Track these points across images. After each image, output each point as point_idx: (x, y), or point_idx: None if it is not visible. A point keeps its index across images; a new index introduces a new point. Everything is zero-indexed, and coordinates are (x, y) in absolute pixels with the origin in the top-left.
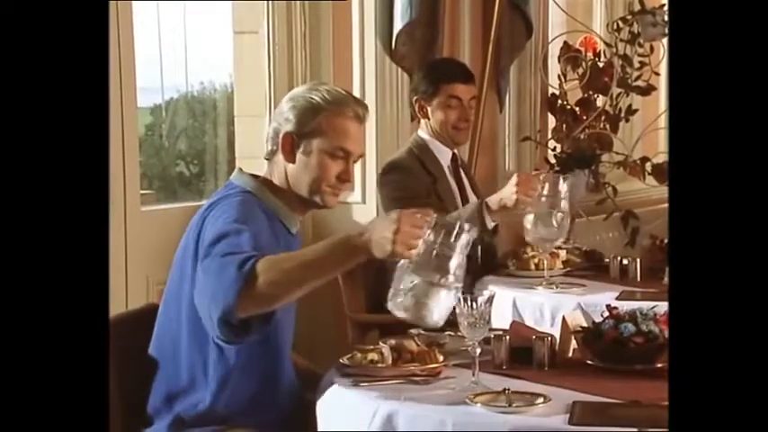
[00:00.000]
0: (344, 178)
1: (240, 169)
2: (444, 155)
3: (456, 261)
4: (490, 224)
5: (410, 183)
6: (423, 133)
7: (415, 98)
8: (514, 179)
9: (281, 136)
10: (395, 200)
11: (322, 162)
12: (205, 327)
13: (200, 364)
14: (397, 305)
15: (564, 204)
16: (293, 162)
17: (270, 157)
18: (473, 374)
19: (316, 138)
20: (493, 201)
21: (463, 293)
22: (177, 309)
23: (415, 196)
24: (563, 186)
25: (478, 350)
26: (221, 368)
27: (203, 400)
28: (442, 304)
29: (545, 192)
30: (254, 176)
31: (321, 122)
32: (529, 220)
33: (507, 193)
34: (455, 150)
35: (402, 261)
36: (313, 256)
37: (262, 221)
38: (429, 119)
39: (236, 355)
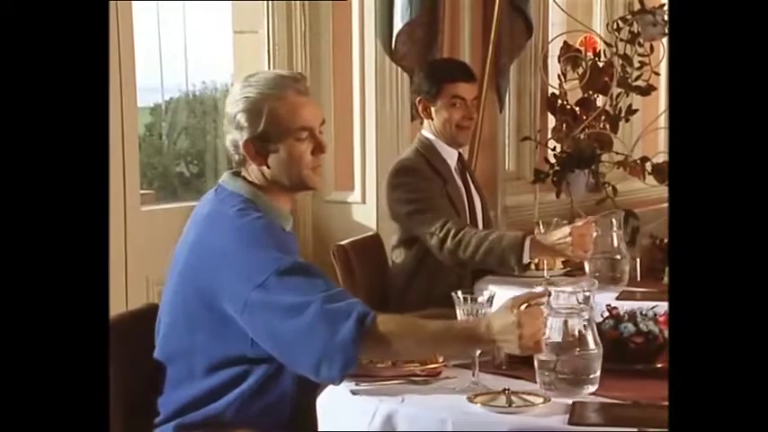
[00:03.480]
0: (319, 151)
1: (230, 173)
2: (451, 155)
3: None
4: (526, 259)
5: (423, 185)
6: (427, 133)
7: (418, 98)
8: (568, 230)
9: (241, 145)
10: (409, 202)
11: (293, 151)
12: (298, 369)
13: (216, 384)
14: None
15: (621, 246)
16: (266, 165)
17: (240, 166)
18: (473, 374)
19: (273, 132)
20: (540, 243)
21: (463, 293)
22: (185, 328)
23: (430, 198)
24: (615, 228)
25: (478, 350)
26: (238, 390)
27: (214, 414)
28: None
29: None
30: (244, 178)
31: (270, 115)
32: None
33: (560, 240)
34: (460, 150)
35: None
36: (432, 336)
37: (277, 236)
38: (432, 119)
39: (254, 379)
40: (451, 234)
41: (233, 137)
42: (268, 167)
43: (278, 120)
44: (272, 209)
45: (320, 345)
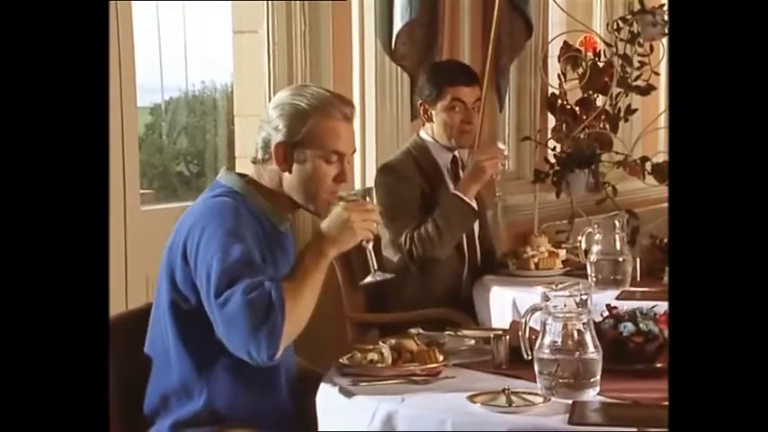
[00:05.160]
0: (341, 179)
1: (226, 169)
2: (444, 156)
3: None
4: (470, 199)
5: (401, 187)
6: (424, 134)
7: (419, 102)
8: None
9: (273, 146)
10: (386, 207)
11: (318, 169)
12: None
13: (190, 367)
14: None
15: (623, 248)
16: (290, 171)
17: (261, 163)
18: None
19: (308, 144)
20: (461, 182)
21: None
22: (164, 309)
23: (407, 201)
24: (618, 230)
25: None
26: (213, 371)
27: (197, 404)
28: None
29: (600, 239)
30: (242, 176)
31: (311, 128)
32: (591, 266)
33: (470, 170)
34: (456, 153)
35: None
36: (306, 276)
37: (248, 221)
38: (433, 122)
39: (228, 359)
40: (415, 240)
41: (266, 134)
42: (290, 174)
43: (317, 136)
44: (263, 205)
45: (245, 332)
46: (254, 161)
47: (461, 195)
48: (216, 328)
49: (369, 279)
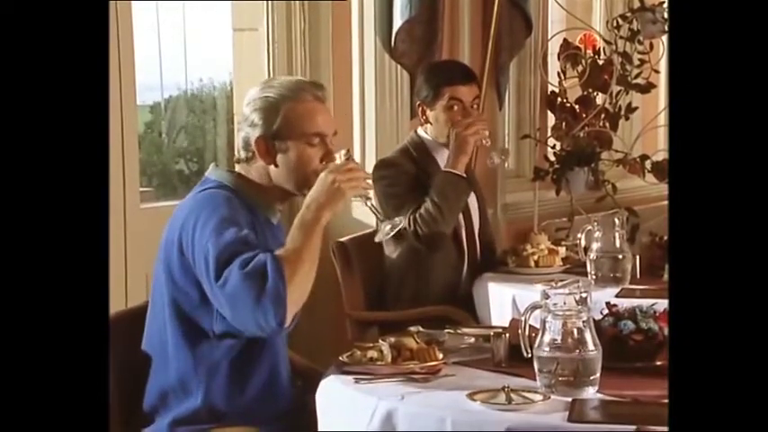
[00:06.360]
0: (328, 160)
1: (215, 165)
2: (442, 153)
3: None
4: (460, 170)
5: (400, 178)
6: (422, 132)
7: (417, 103)
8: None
9: (253, 142)
10: (387, 197)
11: (302, 154)
12: (236, 327)
13: (188, 363)
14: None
15: (623, 245)
16: (275, 164)
17: (246, 163)
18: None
19: (287, 133)
20: (450, 162)
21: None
22: (161, 306)
23: (407, 189)
24: (618, 228)
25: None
26: (211, 367)
27: (195, 400)
28: None
29: (600, 236)
30: (230, 171)
31: (286, 115)
32: (591, 264)
33: (455, 144)
34: None
35: None
36: (302, 243)
37: (240, 210)
38: (431, 123)
39: (226, 354)
40: (418, 221)
41: (245, 133)
42: (276, 167)
43: (293, 121)
44: (253, 198)
45: (249, 304)
46: (238, 161)
47: (451, 170)
48: (223, 311)
49: (383, 228)
